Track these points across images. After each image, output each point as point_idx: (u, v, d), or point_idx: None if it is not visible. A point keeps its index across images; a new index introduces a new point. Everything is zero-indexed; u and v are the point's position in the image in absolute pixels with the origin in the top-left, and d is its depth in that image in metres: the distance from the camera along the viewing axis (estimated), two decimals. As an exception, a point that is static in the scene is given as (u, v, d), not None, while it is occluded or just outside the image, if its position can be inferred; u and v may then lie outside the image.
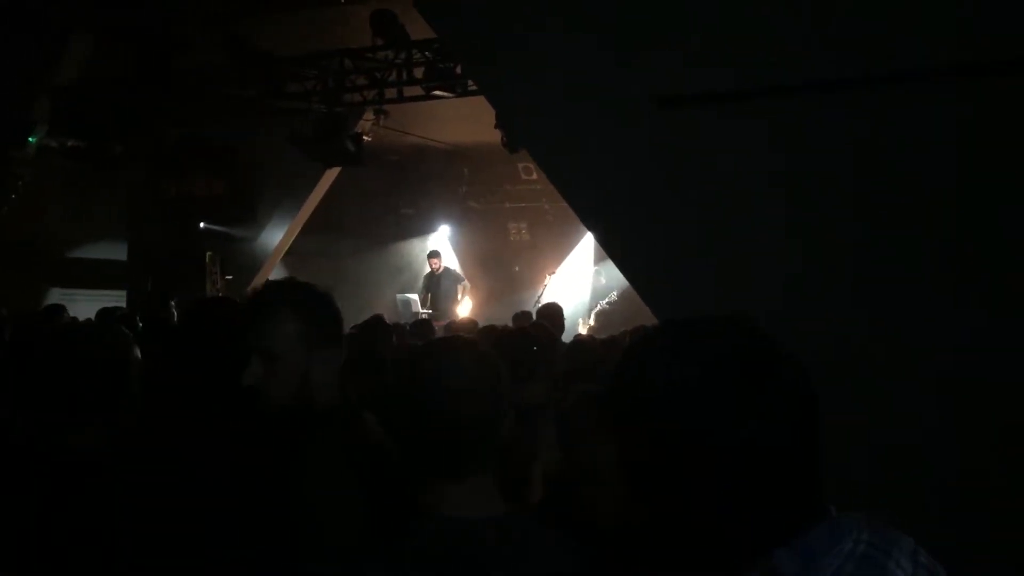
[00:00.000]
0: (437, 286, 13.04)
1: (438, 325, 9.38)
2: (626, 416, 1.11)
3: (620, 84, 3.50)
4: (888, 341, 3.07)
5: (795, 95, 3.19)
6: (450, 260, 14.43)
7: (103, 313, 7.07)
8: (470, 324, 8.40)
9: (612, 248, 4.13)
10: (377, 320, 5.72)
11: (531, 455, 2.74)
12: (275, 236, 12.83)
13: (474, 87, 8.87)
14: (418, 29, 8.78)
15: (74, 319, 6.77)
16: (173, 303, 8.49)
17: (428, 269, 13.61)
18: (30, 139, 10.25)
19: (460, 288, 13.06)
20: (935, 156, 2.99)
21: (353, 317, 10.51)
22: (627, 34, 3.48)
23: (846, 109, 3.13)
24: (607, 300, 13.15)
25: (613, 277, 13.25)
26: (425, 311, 12.84)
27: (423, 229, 16.04)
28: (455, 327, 8.35)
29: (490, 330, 4.85)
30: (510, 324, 7.56)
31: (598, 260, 14.25)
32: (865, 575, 1.00)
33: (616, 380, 1.13)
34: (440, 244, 15.34)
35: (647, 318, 6.75)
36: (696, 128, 3.41)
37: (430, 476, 1.58)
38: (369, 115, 11.17)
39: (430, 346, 1.76)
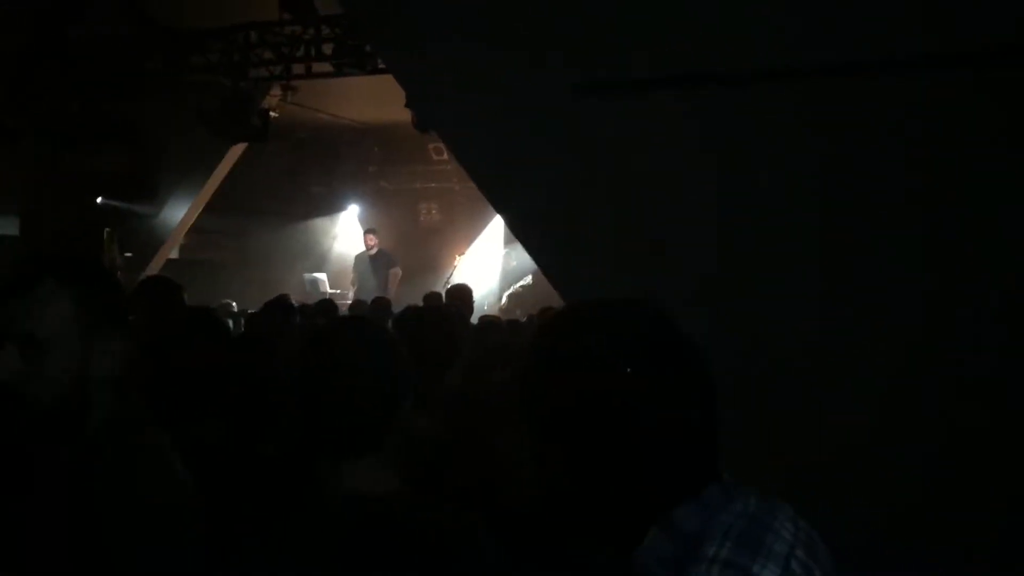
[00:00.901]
0: (369, 267, 12.63)
1: (350, 304, 9.25)
2: (538, 387, 1.17)
3: (533, 69, 3.47)
4: (813, 329, 3.12)
5: (712, 81, 3.21)
6: (359, 240, 14.19)
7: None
8: (384, 304, 8.32)
9: (522, 234, 4.11)
10: (280, 300, 5.60)
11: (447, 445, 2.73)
12: (177, 213, 12.49)
13: (384, 65, 8.75)
14: (328, 4, 8.62)
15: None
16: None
17: (362, 248, 13.16)
18: (-85, 109, 9.74)
19: (392, 275, 12.60)
20: (856, 143, 3.04)
21: (260, 296, 10.36)
22: (542, 18, 3.45)
23: (772, 96, 3.16)
24: (521, 284, 13.18)
25: (524, 259, 13.29)
26: (334, 291, 12.67)
27: (332, 208, 15.83)
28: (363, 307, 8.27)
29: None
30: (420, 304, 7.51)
31: (508, 242, 14.28)
32: (754, 532, 1.06)
33: (529, 355, 1.21)
34: (350, 223, 15.14)
35: (559, 301, 6.78)
36: (610, 115, 3.41)
37: (326, 453, 1.59)
38: (276, 91, 10.93)
39: (329, 324, 1.77)
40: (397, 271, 12.64)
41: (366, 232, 13.02)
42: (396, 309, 7.72)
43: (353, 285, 12.64)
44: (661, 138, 3.40)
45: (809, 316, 3.13)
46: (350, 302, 10.57)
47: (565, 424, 1.13)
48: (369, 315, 7.25)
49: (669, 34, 3.31)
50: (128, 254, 12.08)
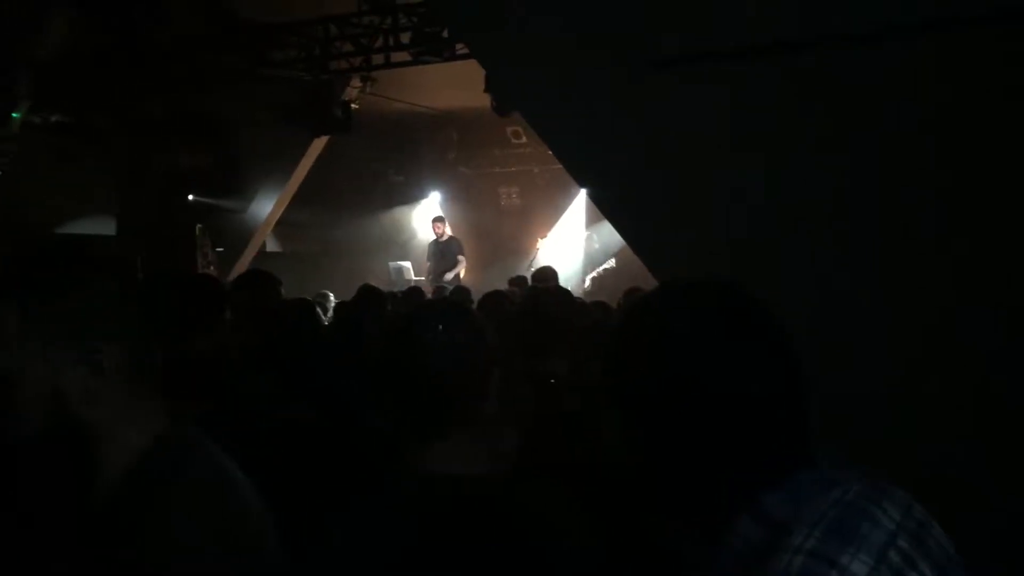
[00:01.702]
0: (440, 253, 12.70)
1: (430, 291, 9.33)
2: (622, 371, 1.18)
3: (616, 44, 3.43)
4: (886, 309, 3.04)
5: (798, 53, 3.13)
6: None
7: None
8: (464, 291, 8.37)
9: (609, 212, 4.08)
10: (369, 290, 5.67)
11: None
12: (264, 207, 12.75)
13: (462, 51, 8.79)
14: (403, -7, 8.69)
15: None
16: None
17: (420, 236, 13.33)
18: (13, 115, 10.11)
19: (459, 261, 12.64)
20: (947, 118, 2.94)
21: (346, 286, 10.53)
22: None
23: (852, 67, 3.07)
24: (604, 267, 13.11)
25: (606, 241, 13.24)
26: (418, 278, 12.78)
27: (413, 196, 15.97)
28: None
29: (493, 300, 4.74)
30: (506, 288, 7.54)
31: (590, 224, 14.21)
32: (849, 521, 1.02)
33: (614, 339, 1.21)
34: (432, 211, 15.27)
35: (643, 283, 6.75)
36: (696, 89, 3.35)
37: (416, 433, 1.62)
38: (356, 82, 11.05)
39: (415, 309, 1.81)
40: (462, 258, 12.66)
41: (434, 220, 13.08)
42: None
43: (428, 274, 12.73)
44: (750, 111, 3.33)
45: (907, 293, 3.05)
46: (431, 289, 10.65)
47: (650, 406, 1.13)
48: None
49: (755, 2, 3.23)
50: (219, 249, 12.39)
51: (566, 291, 3.75)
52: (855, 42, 3.02)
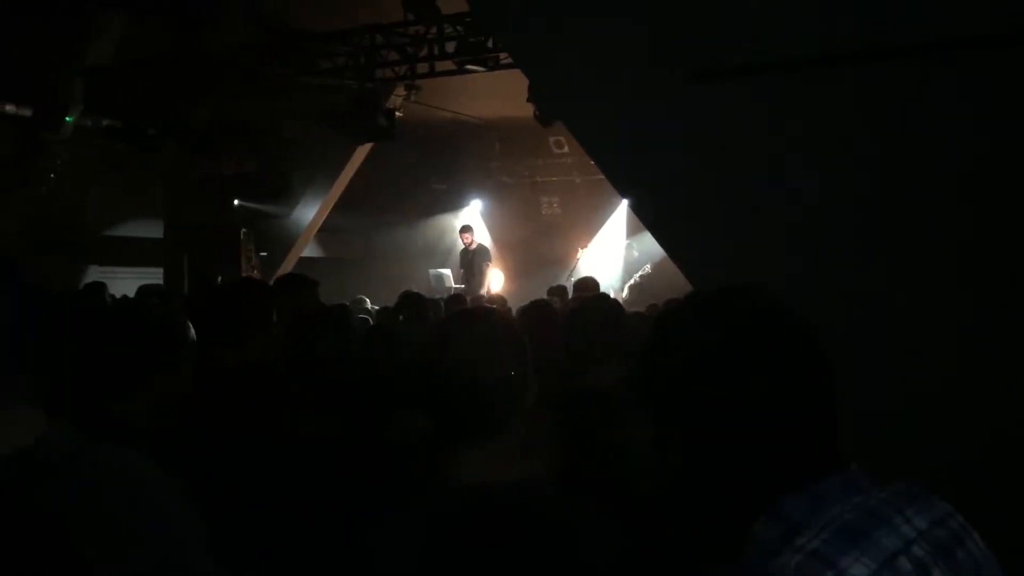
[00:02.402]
0: (470, 262, 12.83)
1: (469, 299, 9.37)
2: (653, 380, 1.20)
3: (658, 55, 3.46)
4: (929, 323, 3.03)
5: (840, 67, 3.13)
6: (482, 235, 14.34)
7: (144, 291, 7.16)
8: (499, 300, 8.40)
9: (649, 222, 4.10)
10: (411, 297, 5.73)
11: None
12: (308, 213, 12.91)
13: (506, 60, 8.84)
14: (449, 3, 8.75)
15: (113, 297, 6.86)
16: (220, 281, 8.57)
17: (461, 244, 13.45)
18: (66, 119, 10.35)
19: (485, 266, 12.73)
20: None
21: (387, 292, 10.61)
22: (666, 4, 3.44)
23: (893, 81, 3.08)
24: (640, 273, 13.07)
25: (646, 251, 13.20)
26: (458, 286, 12.86)
27: (455, 204, 16.05)
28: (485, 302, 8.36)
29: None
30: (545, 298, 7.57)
31: (631, 233, 14.19)
32: (862, 525, 1.02)
33: (646, 347, 1.22)
34: (472, 219, 15.32)
35: (681, 291, 6.74)
36: (737, 100, 3.37)
37: (451, 442, 1.62)
38: (401, 90, 11.16)
39: (451, 316, 1.81)
40: (486, 267, 12.71)
41: (461, 230, 13.17)
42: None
43: (459, 281, 12.82)
44: (790, 123, 3.34)
45: (939, 299, 3.04)
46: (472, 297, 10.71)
47: (678, 411, 1.15)
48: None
49: (795, 16, 3.24)
50: (263, 253, 12.55)
51: (614, 301, 3.74)
52: (894, 55, 3.03)
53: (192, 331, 2.32)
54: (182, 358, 2.27)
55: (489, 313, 1.79)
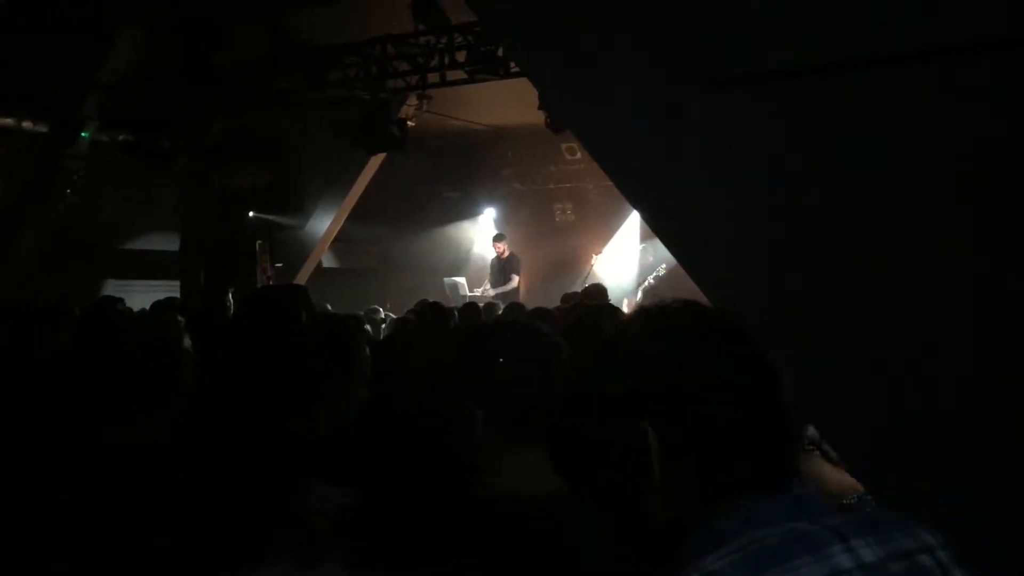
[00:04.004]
0: (499, 271, 12.79)
1: (482, 305, 9.35)
2: (601, 392, 1.19)
3: (668, 62, 3.46)
4: (945, 330, 3.01)
5: (852, 72, 3.13)
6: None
7: (157, 307, 7.19)
8: (518, 307, 8.40)
9: (660, 229, 4.10)
10: (432, 307, 5.75)
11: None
12: (322, 224, 12.96)
13: (516, 68, 8.86)
14: (459, 12, 8.78)
15: (128, 310, 6.89)
16: (231, 293, 8.61)
17: (477, 252, 13.45)
18: (83, 134, 10.44)
19: (516, 275, 12.64)
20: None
21: (401, 301, 10.64)
22: (676, 11, 3.44)
23: (913, 86, 3.06)
24: (654, 275, 13.05)
25: (661, 255, 13.18)
26: (472, 294, 12.86)
27: (468, 212, 16.08)
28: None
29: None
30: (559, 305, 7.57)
31: (645, 238, 14.17)
32: (787, 550, 0.97)
33: (598, 360, 1.23)
34: (486, 227, 15.34)
35: (696, 293, 6.69)
36: (748, 108, 3.37)
37: (490, 450, 1.65)
38: (412, 100, 11.20)
39: (488, 325, 1.82)
40: (515, 277, 12.64)
41: (494, 240, 13.15)
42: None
43: (493, 288, 12.81)
44: (802, 130, 3.33)
45: (960, 313, 3.01)
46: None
47: (623, 429, 1.13)
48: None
49: (806, 23, 3.24)
50: (279, 264, 12.61)
51: (618, 310, 3.76)
52: (913, 61, 3.02)
53: (187, 339, 2.33)
54: (182, 373, 2.28)
55: (522, 323, 1.81)
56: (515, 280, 12.45)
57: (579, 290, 9.70)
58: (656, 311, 1.21)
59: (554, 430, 1.58)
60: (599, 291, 7.34)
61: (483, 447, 1.64)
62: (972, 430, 2.90)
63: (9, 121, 9.99)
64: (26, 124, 10.15)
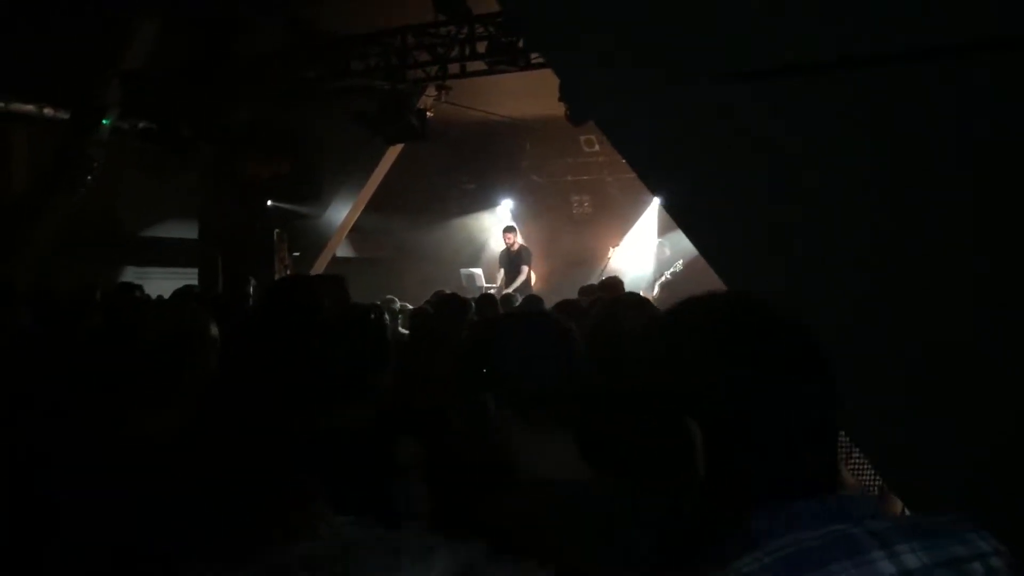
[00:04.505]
0: (509, 263, 12.79)
1: (499, 297, 9.36)
2: (629, 387, 1.18)
3: (693, 54, 3.45)
4: (974, 326, 2.99)
5: (878, 66, 3.10)
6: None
7: (178, 294, 7.22)
8: (535, 299, 8.40)
9: (683, 222, 4.09)
10: (451, 298, 5.75)
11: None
12: (340, 213, 12.99)
13: (537, 60, 8.83)
14: (480, 3, 8.76)
15: (148, 297, 6.93)
16: (252, 283, 8.64)
17: (492, 243, 13.44)
18: (104, 122, 10.49)
19: (526, 267, 12.65)
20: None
21: (418, 292, 10.65)
22: (701, 4, 3.42)
23: (937, 80, 3.04)
24: (671, 271, 13.01)
25: (678, 249, 13.14)
26: (489, 285, 12.87)
27: (486, 203, 16.08)
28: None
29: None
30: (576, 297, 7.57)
31: (662, 232, 14.14)
32: (826, 555, 0.93)
33: (638, 352, 1.21)
34: (503, 218, 15.34)
35: (713, 289, 6.66)
36: (771, 100, 3.35)
37: (518, 435, 1.65)
38: (431, 91, 11.19)
39: (508, 316, 1.83)
40: (525, 268, 12.64)
41: (504, 231, 13.14)
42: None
43: (501, 282, 12.81)
44: (831, 124, 3.31)
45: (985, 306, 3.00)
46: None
47: (648, 426, 1.13)
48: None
49: (832, 16, 3.22)
50: (296, 253, 12.65)
51: (644, 300, 3.75)
52: (928, 57, 3.00)
53: (215, 331, 2.32)
54: (207, 361, 2.28)
55: (539, 314, 1.82)
56: (525, 271, 12.44)
57: (595, 283, 9.69)
58: (699, 302, 1.18)
59: (586, 421, 1.59)
60: (616, 284, 7.32)
61: (501, 436, 1.65)
62: (972, 430, 2.89)
63: (30, 108, 10.06)
64: (47, 111, 10.22)
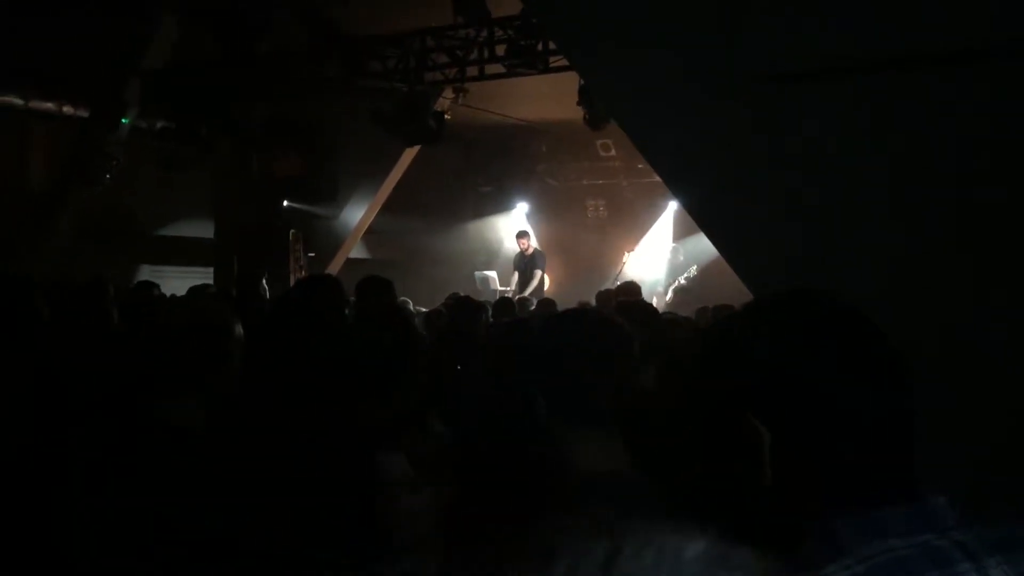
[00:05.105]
0: (523, 267, 12.74)
1: (516, 300, 9.36)
2: (730, 378, 1.12)
3: (717, 58, 3.44)
4: (998, 330, 2.97)
5: (902, 71, 3.09)
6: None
7: (194, 291, 7.24)
8: (549, 303, 8.39)
9: (705, 225, 4.08)
10: (465, 301, 5.75)
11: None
12: (356, 214, 13.01)
13: (556, 63, 8.84)
14: (499, 6, 8.77)
15: (172, 296, 6.96)
16: (265, 281, 8.66)
17: (508, 246, 13.40)
18: (123, 121, 10.53)
19: (540, 271, 12.58)
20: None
21: (432, 294, 10.65)
22: (723, 8, 3.42)
23: (964, 86, 3.02)
24: (685, 276, 12.98)
25: (692, 255, 13.12)
26: (503, 288, 12.85)
27: (501, 206, 16.07)
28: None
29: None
30: (592, 302, 7.56)
31: (677, 237, 14.12)
32: (917, 566, 0.92)
33: (722, 350, 1.15)
34: (518, 222, 15.33)
35: (727, 295, 6.68)
36: (794, 103, 3.34)
37: (560, 426, 1.66)
38: (449, 93, 11.19)
39: (561, 313, 1.84)
40: (539, 272, 12.57)
41: (518, 235, 13.10)
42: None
43: (516, 286, 12.79)
44: (854, 127, 3.30)
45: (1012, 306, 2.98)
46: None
47: (762, 410, 1.07)
48: (535, 314, 7.36)
49: (849, 20, 3.21)
50: (312, 254, 12.67)
51: (649, 305, 3.75)
52: (961, 60, 2.98)
53: (239, 328, 2.35)
54: (233, 356, 2.30)
55: (596, 312, 1.84)
56: (539, 275, 12.42)
57: (611, 287, 9.68)
58: (774, 303, 1.16)
59: (638, 421, 1.59)
60: (634, 289, 7.31)
61: (549, 430, 1.65)
62: (973, 429, 2.87)
63: (50, 106, 10.10)
64: (67, 109, 10.25)
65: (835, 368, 1.04)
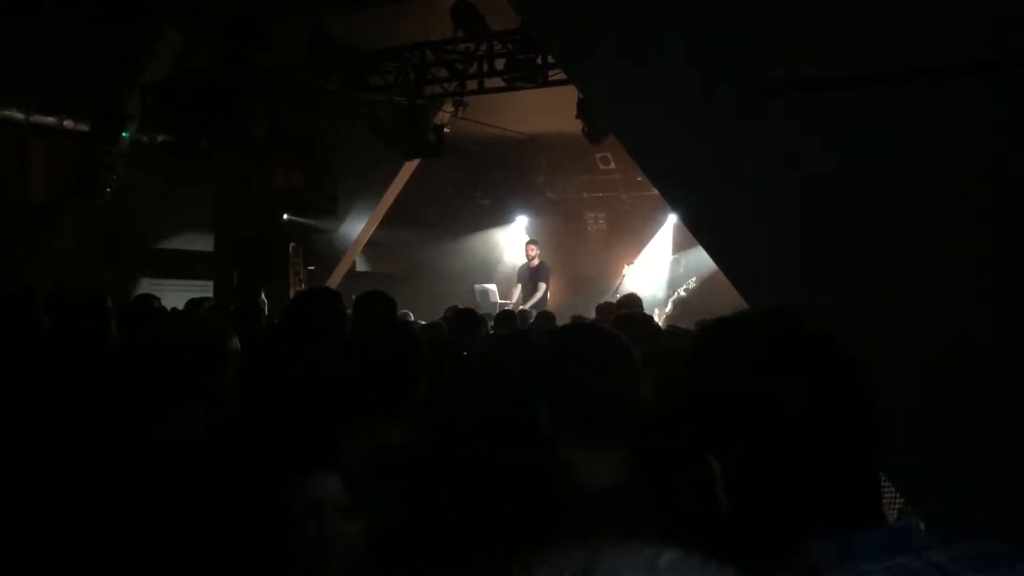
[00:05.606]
0: (528, 277, 12.68)
1: (517, 312, 9.36)
2: (702, 397, 1.13)
3: (716, 70, 3.45)
4: (998, 330, 2.97)
5: (904, 82, 3.10)
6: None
7: (192, 304, 7.25)
8: (549, 315, 8.38)
9: (703, 237, 4.08)
10: (465, 313, 5.76)
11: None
12: (355, 227, 13.02)
13: (556, 77, 8.87)
14: (499, 20, 8.80)
15: (173, 309, 6.96)
16: (264, 294, 8.66)
17: (507, 259, 13.37)
18: (123, 134, 10.55)
19: (544, 284, 12.52)
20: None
21: (431, 307, 10.64)
22: (725, 20, 3.43)
23: (961, 98, 3.03)
24: (684, 287, 12.99)
25: (692, 267, 13.13)
26: (503, 301, 12.84)
27: (500, 220, 16.10)
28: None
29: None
30: (593, 315, 7.57)
31: (676, 250, 14.14)
32: None
33: (695, 367, 1.16)
34: (518, 234, 15.34)
35: (727, 306, 6.65)
36: (794, 115, 3.35)
37: (564, 443, 1.67)
38: (448, 106, 11.22)
39: (567, 328, 1.85)
40: (543, 285, 12.52)
41: (528, 243, 13.10)
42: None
43: (517, 296, 12.76)
44: (845, 138, 3.31)
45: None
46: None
47: (724, 430, 1.08)
48: (534, 326, 7.36)
49: (849, 33, 3.22)
50: (311, 267, 12.68)
51: (648, 317, 3.76)
52: (965, 74, 2.99)
53: (235, 339, 2.36)
54: (228, 368, 2.30)
55: (601, 329, 1.84)
56: (543, 288, 12.40)
57: (611, 300, 9.68)
58: (740, 325, 1.15)
59: (642, 437, 1.60)
60: (635, 301, 7.31)
61: (556, 446, 1.65)
62: (974, 430, 2.87)
63: (51, 120, 10.12)
64: (67, 123, 10.27)
65: (800, 391, 1.04)
